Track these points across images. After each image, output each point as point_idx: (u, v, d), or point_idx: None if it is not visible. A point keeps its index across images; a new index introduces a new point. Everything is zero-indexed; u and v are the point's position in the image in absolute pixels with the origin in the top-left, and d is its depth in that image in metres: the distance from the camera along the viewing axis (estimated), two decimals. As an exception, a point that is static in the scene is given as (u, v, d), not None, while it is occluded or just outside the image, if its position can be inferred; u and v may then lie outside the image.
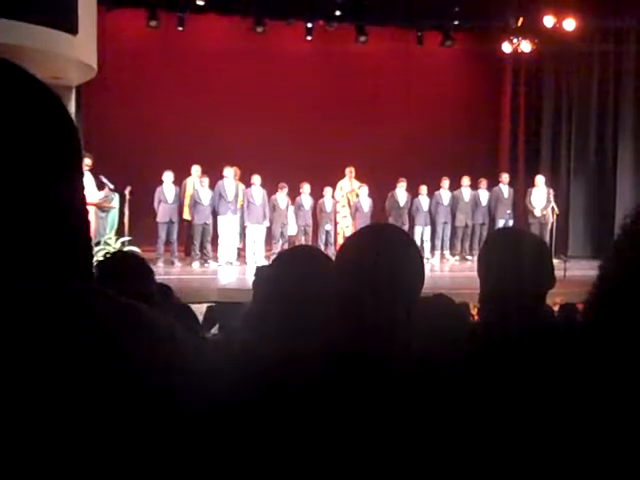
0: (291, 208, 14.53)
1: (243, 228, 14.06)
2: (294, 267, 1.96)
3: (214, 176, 13.71)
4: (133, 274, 2.76)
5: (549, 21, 15.32)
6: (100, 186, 12.08)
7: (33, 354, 0.77)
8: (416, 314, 1.56)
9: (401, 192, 14.92)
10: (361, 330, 1.53)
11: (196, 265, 13.55)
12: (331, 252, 13.06)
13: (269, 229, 14.21)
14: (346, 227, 15.07)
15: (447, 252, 15.51)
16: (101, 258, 2.96)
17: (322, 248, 12.99)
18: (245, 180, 14.10)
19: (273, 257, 2.17)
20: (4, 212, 0.79)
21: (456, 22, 16.60)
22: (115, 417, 0.78)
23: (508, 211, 15.02)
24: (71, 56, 10.64)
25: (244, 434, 1.18)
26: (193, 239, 13.72)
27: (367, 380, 1.40)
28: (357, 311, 1.55)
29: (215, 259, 13.77)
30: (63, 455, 0.75)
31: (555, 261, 2.40)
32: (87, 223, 0.90)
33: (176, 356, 0.86)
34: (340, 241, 14.99)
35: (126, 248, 11.59)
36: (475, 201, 15.38)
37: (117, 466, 0.77)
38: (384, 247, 1.58)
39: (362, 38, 16.83)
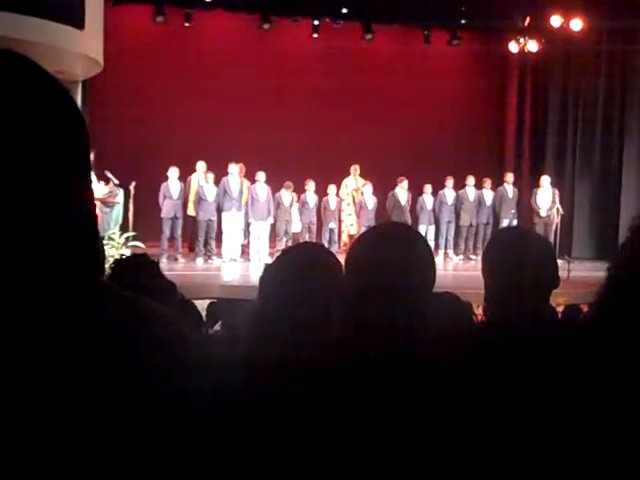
0: (295, 205, 14.53)
1: (247, 225, 14.05)
2: (297, 265, 1.96)
3: (219, 172, 13.71)
4: (143, 272, 2.78)
5: (556, 21, 15.29)
6: (105, 181, 12.07)
7: (38, 350, 0.77)
8: (422, 313, 1.55)
9: (401, 191, 14.90)
10: (362, 329, 1.53)
11: (200, 261, 13.55)
12: (334, 250, 13.07)
13: (273, 226, 14.21)
14: (350, 225, 15.09)
15: (451, 251, 15.50)
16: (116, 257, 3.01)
17: (326, 245, 12.99)
18: (250, 177, 14.10)
19: (277, 254, 2.17)
20: (13, 208, 0.78)
21: (463, 21, 16.56)
22: (118, 414, 0.78)
23: (512, 211, 15.00)
24: (77, 51, 10.66)
25: (248, 431, 1.18)
26: (197, 235, 13.72)
27: (368, 380, 1.40)
28: (358, 311, 1.55)
29: (219, 255, 13.77)
30: (65, 452, 0.75)
31: (559, 262, 2.40)
32: (95, 218, 0.90)
33: (181, 352, 0.86)
34: (344, 239, 15.01)
35: (130, 244, 11.59)
36: (479, 201, 15.37)
37: (120, 463, 0.77)
38: (387, 247, 1.58)
39: (368, 36, 16.81)
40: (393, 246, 1.58)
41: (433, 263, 1.65)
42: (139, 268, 2.88)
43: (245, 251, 14.18)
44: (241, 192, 13.78)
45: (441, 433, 1.34)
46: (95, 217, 0.89)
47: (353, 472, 1.34)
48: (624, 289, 1.05)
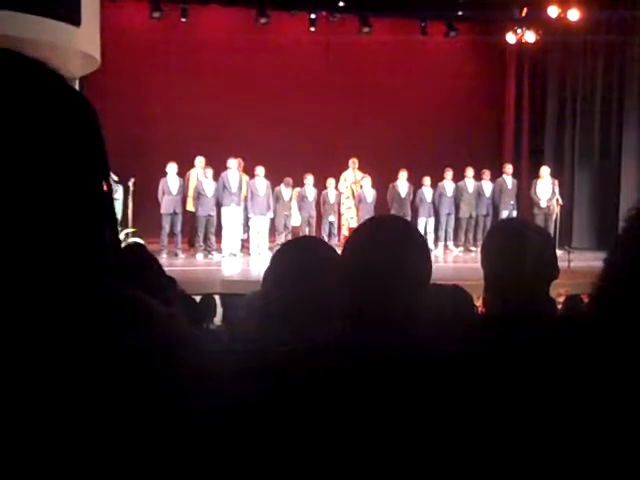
0: (294, 199, 14.53)
1: (247, 219, 14.05)
2: (296, 259, 1.96)
3: (218, 167, 13.70)
4: (140, 266, 2.77)
5: (553, 11, 15.27)
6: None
7: (33, 349, 0.77)
8: (417, 308, 1.55)
9: (402, 183, 14.92)
10: (360, 323, 1.53)
11: (200, 257, 13.54)
12: (334, 243, 13.07)
13: (273, 220, 14.21)
14: (350, 218, 15.09)
15: (451, 243, 15.50)
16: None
17: (325, 239, 12.99)
18: (249, 171, 14.09)
19: (276, 248, 2.16)
20: (18, 206, 0.78)
21: (460, 12, 16.53)
22: (114, 413, 0.78)
23: (512, 202, 14.99)
24: (74, 47, 10.64)
25: (247, 428, 1.18)
26: (197, 231, 13.71)
27: (367, 373, 1.40)
28: (356, 305, 1.55)
29: (219, 250, 13.77)
30: (63, 452, 0.75)
31: (559, 252, 2.40)
32: (101, 212, 0.89)
33: (179, 353, 0.86)
34: (344, 232, 15.01)
35: (130, 240, 11.59)
36: (479, 192, 15.35)
37: (117, 463, 0.77)
38: (381, 240, 1.58)
39: (365, 29, 16.76)
40: (384, 244, 1.58)
41: (428, 256, 1.64)
42: (140, 264, 2.87)
43: (245, 246, 14.18)
44: (240, 187, 13.77)
45: (438, 427, 1.34)
46: (103, 211, 0.89)
47: (355, 469, 1.35)
48: (621, 280, 1.05)
